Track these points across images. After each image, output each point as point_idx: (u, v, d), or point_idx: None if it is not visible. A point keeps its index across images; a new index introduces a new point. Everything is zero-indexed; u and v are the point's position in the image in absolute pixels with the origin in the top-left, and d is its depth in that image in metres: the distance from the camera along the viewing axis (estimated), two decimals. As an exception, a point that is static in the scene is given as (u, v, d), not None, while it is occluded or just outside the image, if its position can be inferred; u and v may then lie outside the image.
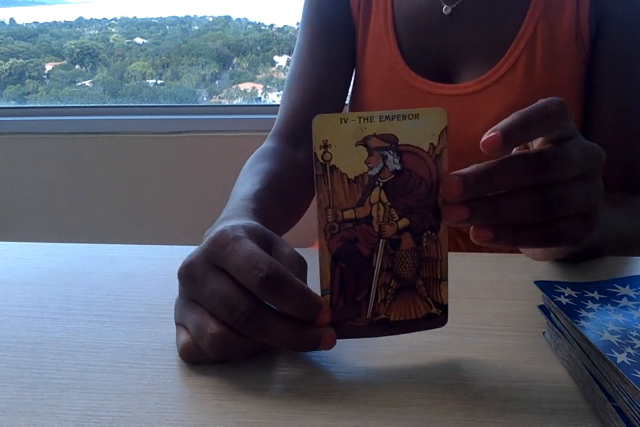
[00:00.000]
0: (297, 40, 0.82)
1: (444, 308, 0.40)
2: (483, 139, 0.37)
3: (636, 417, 0.31)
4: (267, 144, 0.77)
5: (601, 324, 0.38)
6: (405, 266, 0.38)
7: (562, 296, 0.42)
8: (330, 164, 0.36)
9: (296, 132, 0.76)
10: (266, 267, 0.37)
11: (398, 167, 0.37)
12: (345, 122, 0.36)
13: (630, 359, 0.34)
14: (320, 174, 0.37)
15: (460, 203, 0.36)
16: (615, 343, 0.36)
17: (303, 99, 0.77)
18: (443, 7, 0.73)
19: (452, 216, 0.37)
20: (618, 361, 0.34)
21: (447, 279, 0.39)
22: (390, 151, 0.37)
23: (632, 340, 0.36)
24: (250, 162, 0.71)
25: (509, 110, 0.69)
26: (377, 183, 0.37)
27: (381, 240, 0.38)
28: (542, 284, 0.43)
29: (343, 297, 0.38)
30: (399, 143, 0.37)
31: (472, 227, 0.38)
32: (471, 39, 0.72)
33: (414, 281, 0.39)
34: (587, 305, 0.41)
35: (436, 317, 0.39)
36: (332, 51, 0.78)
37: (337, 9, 0.78)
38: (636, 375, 0.32)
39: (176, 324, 0.42)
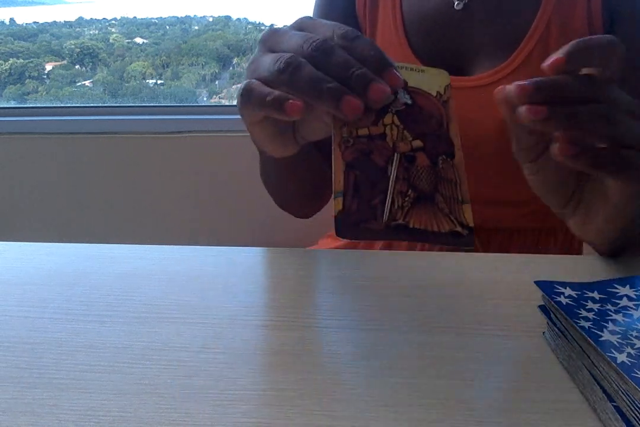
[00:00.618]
0: None
1: (469, 229, 0.38)
2: (546, 62, 0.39)
3: (636, 418, 0.31)
4: None
5: (601, 324, 0.38)
6: (422, 179, 0.38)
7: (562, 296, 0.42)
8: None
9: None
10: (345, 27, 0.41)
11: (409, 101, 0.40)
12: None
13: (630, 359, 0.34)
14: None
15: (539, 104, 0.38)
16: (615, 343, 0.36)
17: None
18: (455, 2, 0.73)
19: (533, 113, 0.38)
20: (618, 361, 0.34)
21: (469, 202, 0.38)
22: (401, 91, 0.40)
23: (632, 340, 0.36)
24: None
25: None
26: (389, 110, 0.40)
27: (395, 154, 0.39)
28: (542, 284, 0.43)
29: (357, 200, 0.37)
30: (409, 85, 0.41)
31: (558, 143, 0.39)
32: (484, 33, 0.73)
33: (433, 195, 0.38)
34: (587, 305, 0.41)
35: (462, 236, 0.37)
36: None
37: (344, 19, 0.78)
38: (636, 375, 0.32)
39: (247, 79, 0.44)
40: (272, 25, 2.04)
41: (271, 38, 0.44)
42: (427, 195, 0.38)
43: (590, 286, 0.43)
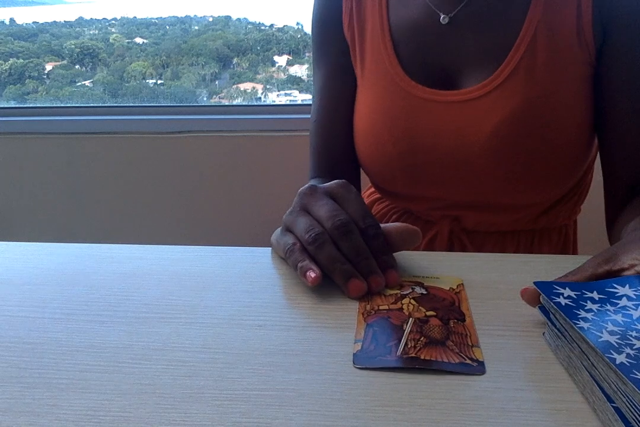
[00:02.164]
0: (312, 59, 0.85)
1: (479, 362, 0.40)
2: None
3: (636, 419, 0.31)
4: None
5: (600, 325, 0.38)
6: (434, 332, 0.43)
7: (561, 296, 0.41)
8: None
9: (332, 171, 0.82)
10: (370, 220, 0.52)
11: (424, 292, 0.49)
12: None
13: (629, 360, 0.34)
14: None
15: None
16: (615, 344, 0.36)
17: (322, 142, 0.83)
18: (441, 17, 0.73)
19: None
20: (617, 362, 0.34)
21: (479, 347, 0.42)
22: (417, 286, 0.50)
23: (631, 340, 0.36)
24: None
25: (512, 115, 0.70)
26: (407, 296, 0.49)
27: (410, 318, 0.45)
28: (541, 285, 0.43)
29: (375, 343, 0.42)
30: (425, 285, 0.51)
31: None
32: (471, 46, 0.72)
33: (444, 342, 0.42)
34: (586, 305, 0.41)
35: (472, 366, 0.40)
36: (340, 90, 0.81)
37: (335, 37, 0.80)
38: (635, 376, 0.32)
39: (284, 227, 0.55)
40: (272, 25, 2.04)
41: (308, 198, 0.54)
42: (438, 342, 0.42)
43: (590, 286, 0.43)
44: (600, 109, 0.71)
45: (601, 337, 0.37)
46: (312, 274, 0.48)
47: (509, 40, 0.70)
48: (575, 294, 0.42)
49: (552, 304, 0.41)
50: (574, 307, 0.40)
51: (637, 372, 0.33)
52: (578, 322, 0.38)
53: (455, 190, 0.74)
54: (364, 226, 0.51)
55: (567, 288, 0.43)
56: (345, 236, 0.50)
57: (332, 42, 0.81)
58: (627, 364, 0.33)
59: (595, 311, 0.40)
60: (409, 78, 0.74)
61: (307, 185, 0.55)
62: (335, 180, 0.55)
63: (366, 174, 0.84)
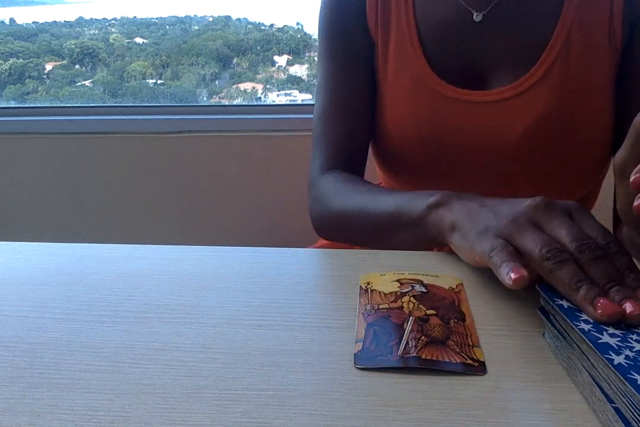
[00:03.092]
0: (318, 70, 0.81)
1: (480, 362, 0.40)
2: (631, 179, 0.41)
3: (636, 419, 0.31)
4: (331, 175, 0.76)
5: (601, 327, 0.38)
6: (434, 331, 0.43)
7: (564, 299, 0.41)
8: (371, 288, 0.50)
9: (349, 162, 0.78)
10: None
11: (424, 290, 0.49)
12: (384, 275, 0.52)
13: (627, 361, 0.34)
14: (361, 293, 0.49)
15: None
16: (614, 346, 0.36)
17: (339, 132, 0.78)
18: (474, 14, 0.72)
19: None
20: (615, 363, 0.34)
21: (480, 347, 0.42)
22: (417, 284, 0.50)
23: (631, 343, 0.36)
24: (339, 189, 0.72)
25: (545, 116, 0.69)
26: (407, 294, 0.49)
27: (411, 317, 0.45)
28: (544, 288, 0.43)
29: (375, 342, 0.42)
30: (424, 282, 0.51)
31: None
32: (504, 45, 0.71)
33: (445, 341, 0.42)
34: None
35: (473, 366, 0.40)
36: (360, 82, 0.78)
37: (357, 33, 0.77)
38: (632, 376, 0.32)
39: (497, 234, 0.48)
40: (272, 25, 2.04)
41: (542, 213, 0.47)
42: (439, 341, 0.42)
43: None
44: (619, 111, 0.70)
45: (601, 339, 0.36)
46: (517, 274, 0.42)
47: (542, 40, 0.70)
48: None
49: (554, 305, 0.41)
50: (575, 310, 0.40)
51: (634, 373, 0.33)
52: (579, 324, 0.38)
53: (481, 192, 0.74)
54: (604, 242, 0.44)
55: None
56: (594, 261, 0.43)
57: (353, 34, 0.78)
58: (625, 364, 0.33)
59: None
60: (438, 77, 0.72)
61: (539, 197, 0.49)
62: (569, 201, 0.49)
63: (384, 174, 0.83)
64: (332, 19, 0.79)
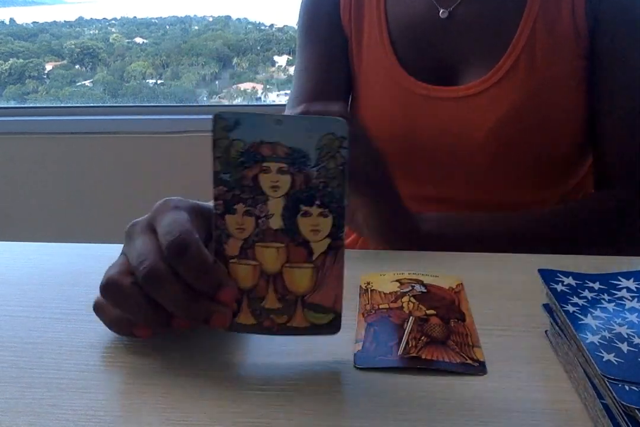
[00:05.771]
0: (296, 61, 0.83)
1: (480, 362, 0.40)
2: None
3: (621, 416, 0.31)
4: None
5: (587, 310, 0.38)
6: (435, 331, 0.43)
7: (560, 284, 0.41)
8: (371, 288, 0.50)
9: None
10: (177, 234, 0.39)
11: (424, 290, 0.49)
12: (384, 275, 0.52)
13: (601, 341, 0.34)
14: (361, 293, 0.49)
15: None
16: (594, 327, 0.37)
17: (314, 81, 0.78)
18: (440, 11, 0.73)
19: None
20: (587, 341, 0.35)
21: (480, 347, 0.42)
22: (417, 284, 0.50)
23: (612, 326, 0.37)
24: None
25: (513, 110, 0.70)
26: (407, 294, 0.48)
27: (411, 317, 0.45)
28: (544, 272, 0.43)
29: (375, 343, 0.42)
30: (424, 282, 0.50)
31: None
32: (470, 41, 0.72)
33: (445, 341, 0.42)
34: (581, 293, 0.41)
35: (473, 367, 0.40)
36: (332, 51, 0.79)
37: (330, 27, 0.78)
38: (600, 354, 0.33)
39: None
40: (272, 25, 2.04)
41: (125, 241, 0.43)
42: (439, 341, 0.42)
43: (593, 277, 0.43)
44: (590, 101, 0.71)
45: (583, 320, 0.37)
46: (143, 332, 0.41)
47: (508, 35, 0.70)
48: (575, 283, 0.42)
49: (548, 290, 0.41)
50: (568, 294, 0.40)
51: (603, 351, 0.33)
52: (565, 306, 0.38)
53: (454, 188, 0.74)
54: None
55: (570, 277, 0.42)
56: (156, 285, 0.38)
57: (327, 29, 0.79)
58: (597, 343, 0.34)
59: (589, 298, 0.40)
60: (407, 74, 0.73)
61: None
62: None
63: None
64: (308, 12, 0.80)
